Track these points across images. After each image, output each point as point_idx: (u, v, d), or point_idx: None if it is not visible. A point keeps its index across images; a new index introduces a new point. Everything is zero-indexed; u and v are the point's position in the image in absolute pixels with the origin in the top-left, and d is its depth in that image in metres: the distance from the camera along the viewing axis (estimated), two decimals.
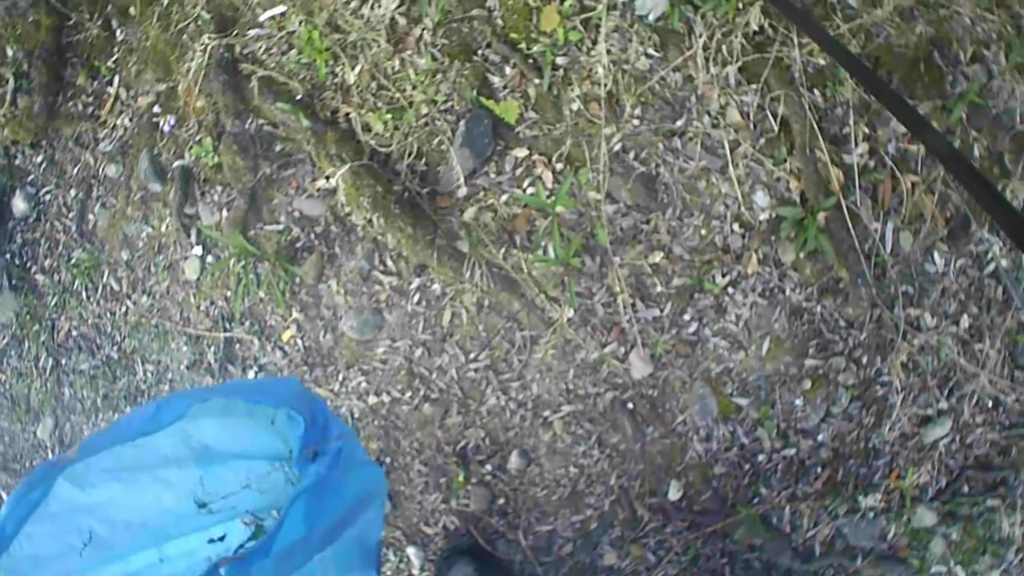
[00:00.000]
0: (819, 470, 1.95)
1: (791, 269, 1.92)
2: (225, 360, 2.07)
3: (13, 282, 2.30)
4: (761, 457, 1.93)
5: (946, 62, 1.91)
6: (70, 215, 2.26)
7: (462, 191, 1.91)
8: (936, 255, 1.97)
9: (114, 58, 2.20)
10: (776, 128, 1.88)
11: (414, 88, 1.92)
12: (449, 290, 1.93)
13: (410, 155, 1.91)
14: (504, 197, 1.90)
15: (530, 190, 1.90)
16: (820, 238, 1.86)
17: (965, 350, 1.98)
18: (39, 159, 2.29)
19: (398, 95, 1.92)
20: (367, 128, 1.94)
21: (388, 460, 1.99)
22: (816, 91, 1.90)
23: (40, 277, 2.29)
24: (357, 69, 1.94)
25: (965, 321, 1.98)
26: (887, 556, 2.05)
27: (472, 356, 1.94)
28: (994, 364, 2.03)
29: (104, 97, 2.21)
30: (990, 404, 2.07)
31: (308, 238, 2.01)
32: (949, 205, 1.98)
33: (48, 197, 2.28)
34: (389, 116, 1.90)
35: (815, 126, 1.87)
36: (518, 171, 1.91)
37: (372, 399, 1.99)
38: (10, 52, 2.28)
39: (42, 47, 2.22)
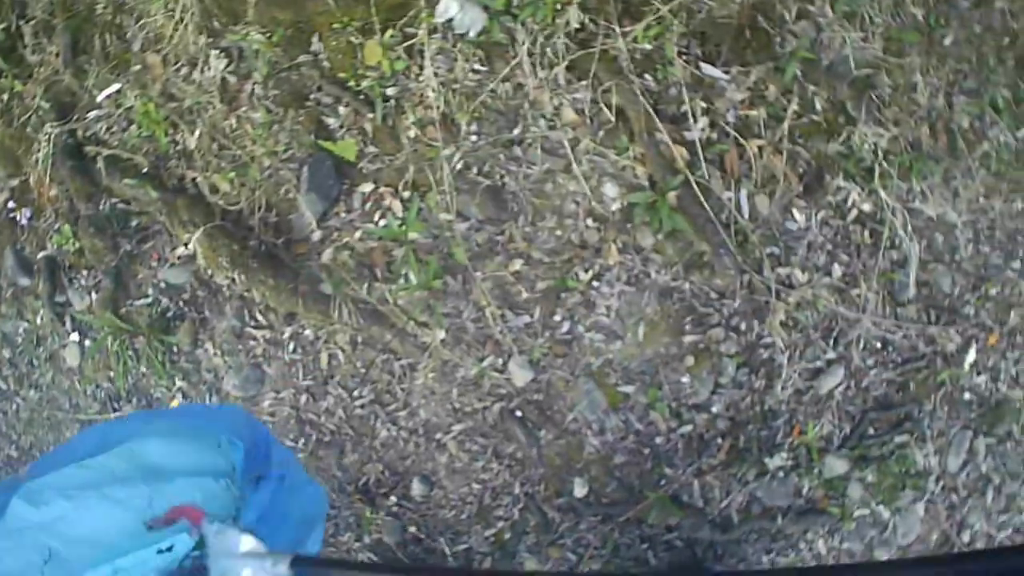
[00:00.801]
0: (720, 441, 1.97)
1: (652, 252, 1.94)
2: None
3: None
4: (659, 439, 1.95)
5: (772, 24, 1.95)
6: None
7: (316, 235, 1.92)
8: (796, 212, 1.99)
9: None
10: (613, 118, 1.91)
11: (253, 143, 1.94)
12: (321, 333, 1.94)
13: (260, 209, 1.92)
14: (358, 234, 1.91)
15: (382, 222, 1.91)
16: (674, 217, 1.88)
17: (843, 298, 2.00)
18: None
19: (239, 152, 1.94)
20: (215, 189, 1.95)
21: None
22: (647, 76, 1.93)
23: None
24: (196, 133, 1.96)
25: (837, 270, 2.01)
26: (806, 510, 2.06)
27: (356, 393, 1.95)
28: (874, 306, 2.05)
29: None
30: (879, 345, 2.09)
31: (177, 306, 2.01)
32: (799, 162, 2.01)
33: None
34: (233, 174, 1.91)
35: (650, 110, 1.89)
36: (367, 205, 1.93)
37: None
38: None
39: None
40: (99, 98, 2.03)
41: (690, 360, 1.95)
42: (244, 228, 1.94)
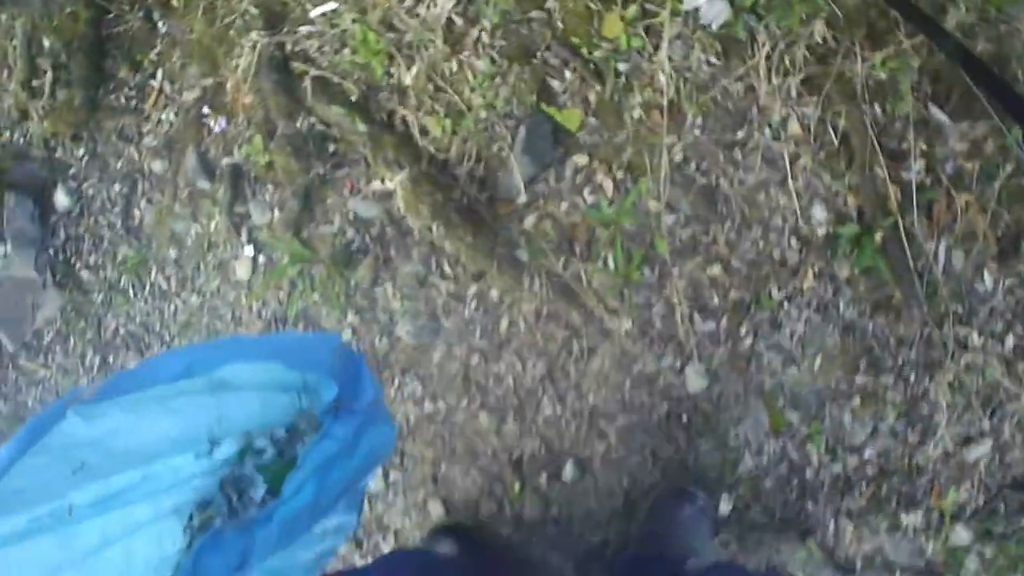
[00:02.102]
0: (864, 486, 1.97)
1: (845, 285, 1.93)
2: None
3: (57, 278, 2.26)
4: (809, 472, 1.95)
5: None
6: (114, 210, 2.22)
7: (522, 198, 1.89)
8: (986, 274, 1.98)
9: (156, 51, 2.16)
10: (836, 142, 1.89)
11: (472, 91, 1.90)
12: (507, 298, 1.92)
13: (469, 160, 1.89)
14: (564, 205, 1.89)
15: (590, 198, 1.89)
16: (877, 257, 1.87)
17: (1009, 370, 2.00)
18: (80, 152, 2.24)
19: (456, 98, 1.90)
20: (424, 132, 1.91)
21: (444, 467, 1.99)
22: (876, 105, 1.90)
23: (85, 274, 2.25)
24: (413, 71, 1.91)
25: (1010, 341, 2.00)
26: (923, 573, 2.08)
27: (529, 365, 1.94)
28: None
29: (147, 90, 2.17)
30: None
31: (363, 240, 1.99)
32: (1000, 224, 1.99)
33: (91, 192, 2.24)
34: (448, 120, 1.87)
35: (875, 141, 1.87)
36: (578, 178, 1.90)
37: (428, 406, 1.98)
38: (47, 43, 2.23)
39: (81, 39, 2.17)
40: (312, 14, 1.98)
41: (856, 401, 1.95)
42: (448, 176, 1.91)
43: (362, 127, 1.88)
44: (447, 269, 1.94)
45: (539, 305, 1.91)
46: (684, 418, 1.93)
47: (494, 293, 1.93)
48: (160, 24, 2.13)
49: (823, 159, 1.90)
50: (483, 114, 1.88)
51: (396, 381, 2.00)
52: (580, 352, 1.93)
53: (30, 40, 2.22)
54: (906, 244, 1.87)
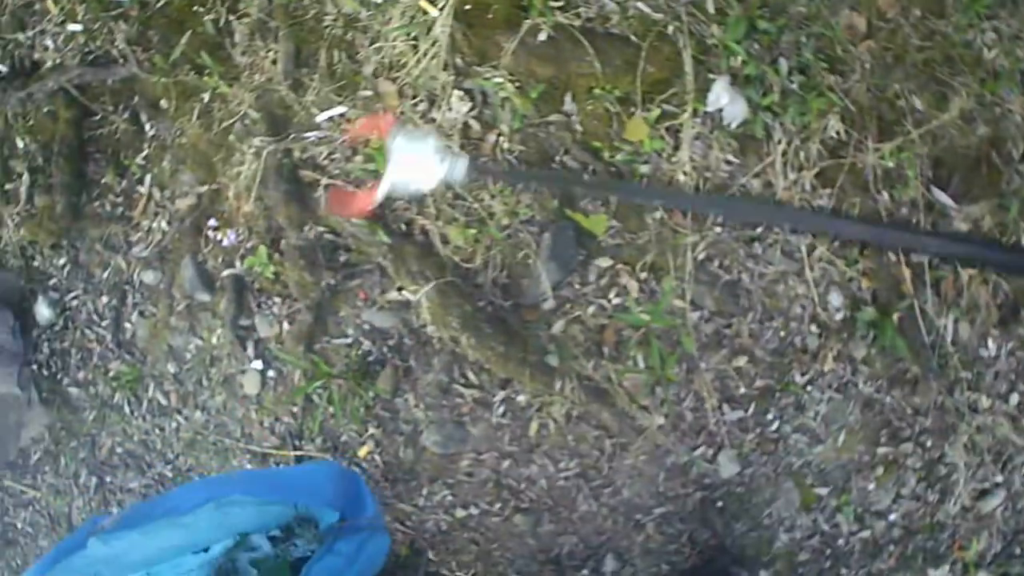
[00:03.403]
0: (891, 548, 2.06)
1: (862, 364, 1.99)
2: None
3: (43, 395, 2.11)
4: (840, 541, 2.02)
5: (1003, 161, 1.99)
6: (103, 323, 2.08)
7: (549, 304, 1.87)
8: (990, 341, 2.08)
9: (144, 155, 2.02)
10: None
11: (492, 198, 1.86)
12: (536, 402, 1.91)
13: (494, 268, 1.85)
14: (591, 309, 1.88)
15: (616, 300, 1.88)
16: (895, 336, 1.93)
17: (1015, 425, 2.11)
18: (61, 262, 2.10)
19: (476, 205, 1.85)
20: (446, 241, 1.86)
21: (481, 571, 1.97)
22: (885, 192, 1.95)
23: (74, 390, 2.11)
24: None
25: (1015, 398, 2.11)
26: None
27: (562, 465, 1.93)
28: None
29: (135, 197, 2.04)
30: None
31: (380, 351, 1.93)
32: (1000, 293, 2.09)
33: (75, 303, 2.10)
34: (472, 230, 1.83)
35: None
36: (602, 281, 1.89)
37: (460, 512, 1.95)
38: (21, 144, 2.06)
39: (61, 142, 2.01)
40: (319, 118, 1.89)
41: (879, 470, 2.03)
42: (472, 286, 1.87)
43: (384, 238, 1.82)
44: (471, 377, 1.91)
45: (570, 407, 1.90)
46: (719, 503, 1.97)
47: (522, 398, 1.91)
48: (148, 126, 1.99)
49: (837, 248, 1.95)
50: (505, 221, 1.84)
51: (424, 490, 1.97)
52: (613, 449, 1.93)
53: (2, 141, 2.05)
54: (921, 322, 1.94)
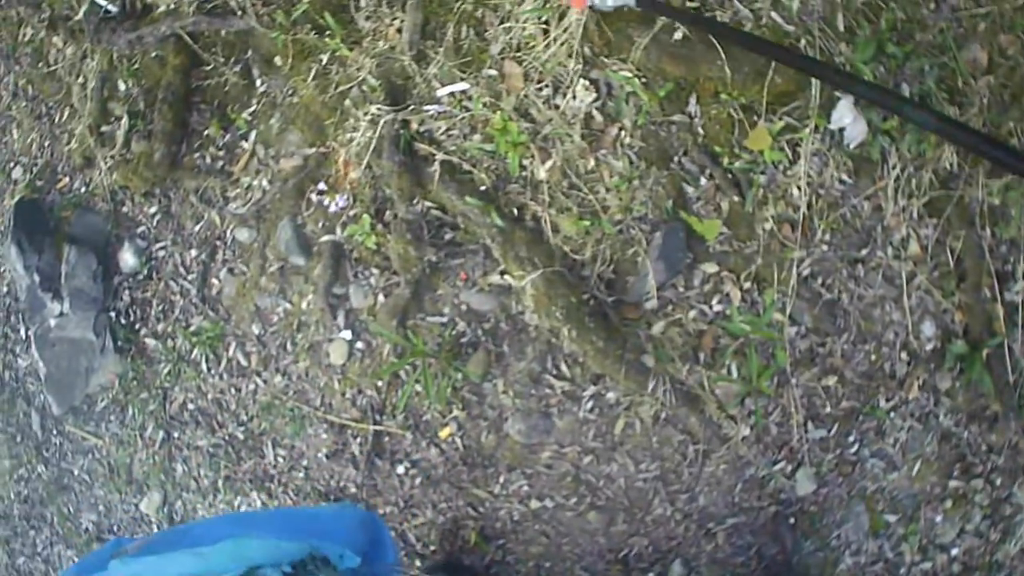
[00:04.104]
0: None
1: (945, 396, 2.00)
2: (373, 453, 1.97)
3: (119, 343, 2.07)
4: (902, 570, 2.04)
5: None
6: (189, 277, 2.05)
7: (651, 303, 1.87)
8: None
9: (251, 111, 2.00)
10: (951, 263, 1.94)
11: (608, 191, 1.85)
12: (625, 400, 1.90)
13: (603, 263, 1.85)
14: (692, 313, 1.87)
15: (717, 307, 1.88)
16: (983, 372, 1.95)
17: None
18: (152, 210, 2.06)
19: (591, 197, 1.84)
20: (556, 229, 1.85)
21: (548, 564, 1.96)
22: (988, 228, 1.97)
23: (151, 341, 2.08)
24: (548, 164, 1.84)
25: None
26: None
27: (642, 466, 1.93)
28: None
29: (237, 152, 2.01)
30: None
31: (475, 334, 1.92)
32: None
33: (162, 254, 2.06)
34: (586, 222, 1.82)
35: (991, 266, 1.93)
36: (706, 287, 1.88)
37: (534, 503, 1.94)
38: (123, 87, 2.03)
39: (167, 88, 1.98)
40: (439, 92, 1.87)
41: (948, 503, 2.04)
42: (578, 278, 1.86)
43: (497, 220, 1.80)
44: (564, 369, 1.91)
45: (659, 409, 1.90)
46: (791, 519, 1.97)
47: (611, 395, 1.91)
48: (259, 82, 1.96)
49: (936, 278, 1.96)
50: (618, 216, 1.83)
51: (501, 478, 1.96)
52: (695, 455, 1.93)
53: (104, 81, 2.01)
54: (1008, 360, 1.96)
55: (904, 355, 1.97)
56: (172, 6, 2.01)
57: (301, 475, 2.00)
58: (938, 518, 2.05)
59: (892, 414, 1.98)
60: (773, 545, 1.98)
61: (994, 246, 2.01)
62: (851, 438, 1.96)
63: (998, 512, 2.11)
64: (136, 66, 2.00)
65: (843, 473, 1.97)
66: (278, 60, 1.96)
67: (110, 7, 2.03)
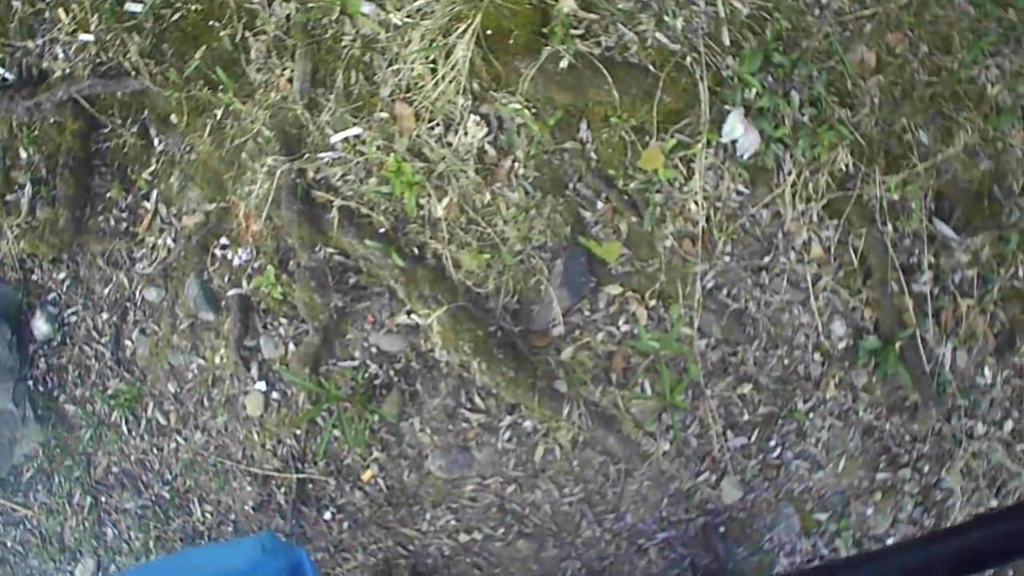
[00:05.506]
0: None
1: (863, 391, 2.03)
2: (298, 501, 1.97)
3: (39, 411, 2.07)
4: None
5: (1003, 194, 2.04)
6: (102, 340, 2.05)
7: (558, 330, 1.88)
8: (986, 369, 2.13)
9: (151, 170, 1.99)
10: (855, 261, 1.96)
11: (506, 223, 1.86)
12: (543, 427, 1.91)
13: (506, 294, 1.86)
14: (600, 335, 1.89)
15: (624, 327, 1.89)
16: (898, 365, 1.97)
17: (1009, 451, 2.16)
18: (61, 276, 2.06)
19: (490, 230, 1.85)
20: (458, 265, 1.86)
21: None
22: (889, 224, 1.99)
23: (70, 407, 2.07)
24: (444, 202, 1.85)
25: (1009, 425, 2.16)
26: None
27: (566, 491, 1.94)
28: None
29: (140, 213, 2.01)
30: None
31: (387, 375, 1.92)
32: (996, 323, 2.14)
33: (74, 319, 2.06)
34: (486, 255, 1.82)
35: (894, 259, 1.95)
36: (611, 308, 1.90)
37: (463, 537, 1.95)
38: (24, 155, 2.02)
39: (67, 154, 1.97)
40: (333, 139, 1.88)
41: (878, 495, 2.07)
42: (483, 311, 1.87)
43: (397, 261, 1.81)
44: (478, 401, 1.91)
45: (577, 433, 1.91)
46: (721, 528, 1.99)
47: (528, 424, 1.92)
48: (156, 141, 1.96)
49: (842, 278, 1.98)
50: (518, 246, 1.84)
51: (427, 515, 1.96)
52: (618, 475, 1.94)
53: (5, 150, 2.01)
54: (922, 350, 1.98)
55: (817, 356, 1.99)
56: (67, 71, 2.00)
57: (230, 529, 2.00)
58: (869, 511, 2.07)
59: (811, 415, 2.00)
60: (706, 555, 1.99)
61: (897, 240, 2.03)
62: (772, 442, 1.98)
63: (929, 498, 2.13)
64: (36, 133, 1.99)
65: (768, 477, 1.99)
66: (174, 118, 1.96)
67: (6, 75, 2.03)
